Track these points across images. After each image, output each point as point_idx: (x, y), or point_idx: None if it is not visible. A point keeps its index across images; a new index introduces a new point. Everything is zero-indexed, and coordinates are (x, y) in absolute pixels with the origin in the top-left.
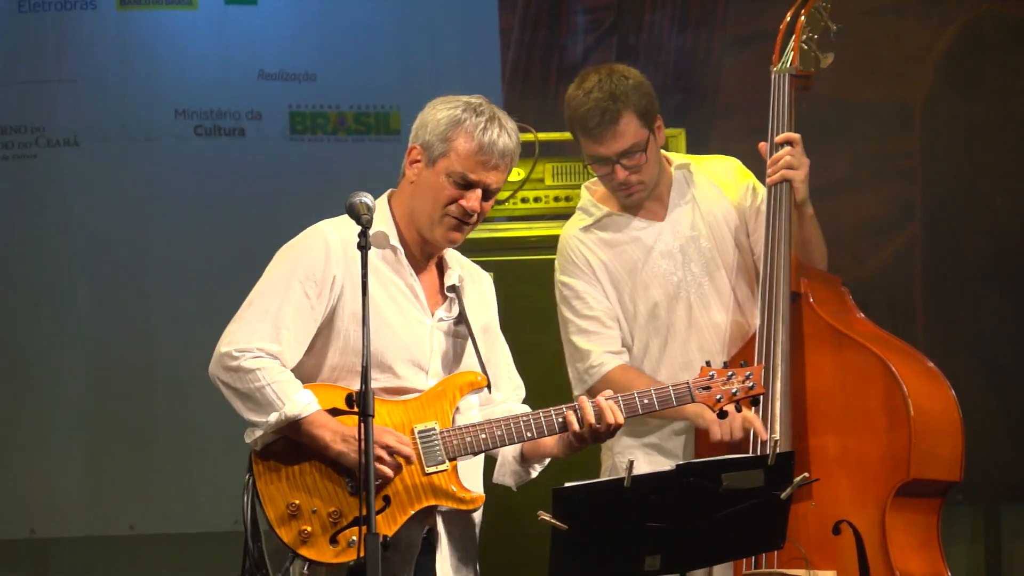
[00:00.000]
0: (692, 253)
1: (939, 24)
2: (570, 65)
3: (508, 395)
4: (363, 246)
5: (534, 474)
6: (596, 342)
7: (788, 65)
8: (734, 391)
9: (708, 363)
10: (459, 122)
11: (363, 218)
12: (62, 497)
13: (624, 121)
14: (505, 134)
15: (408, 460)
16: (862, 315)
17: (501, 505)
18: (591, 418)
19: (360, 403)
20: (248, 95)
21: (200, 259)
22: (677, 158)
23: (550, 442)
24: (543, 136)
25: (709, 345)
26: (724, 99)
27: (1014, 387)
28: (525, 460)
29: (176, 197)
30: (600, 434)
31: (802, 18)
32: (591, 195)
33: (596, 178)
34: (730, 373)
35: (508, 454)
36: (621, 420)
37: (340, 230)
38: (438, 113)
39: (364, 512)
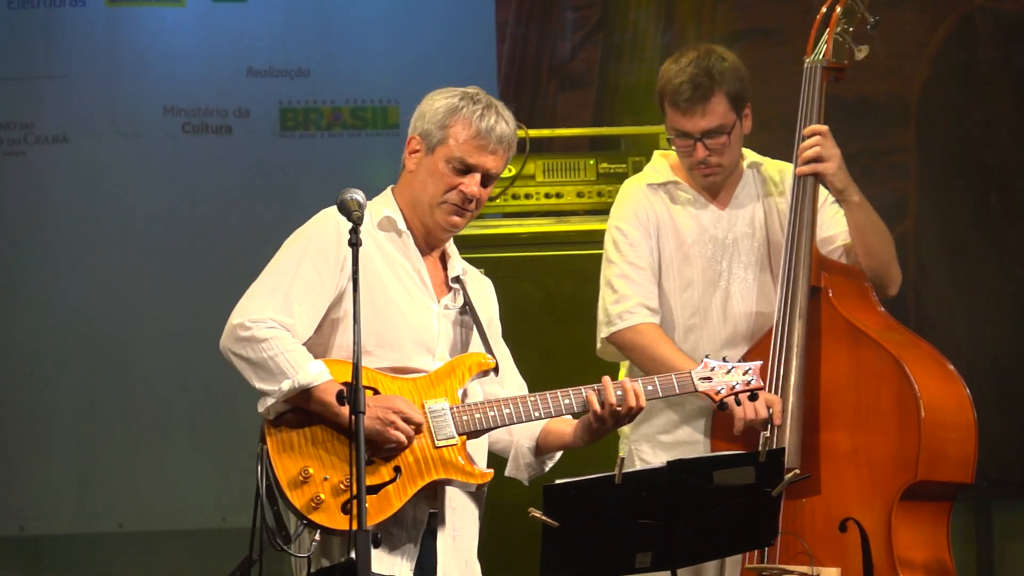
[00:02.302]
0: (743, 248)
1: (934, 19)
2: (559, 63)
3: (513, 394)
4: (354, 243)
5: (547, 468)
6: (636, 291)
7: (820, 57)
8: (734, 384)
9: (708, 356)
10: (456, 109)
11: (354, 215)
12: (52, 495)
13: (715, 100)
14: (503, 121)
15: (418, 428)
16: (883, 310)
17: (490, 502)
18: (612, 398)
19: (351, 399)
20: (236, 92)
21: (189, 257)
22: (750, 155)
23: (568, 431)
24: (534, 132)
25: (741, 339)
26: None
27: (1007, 385)
28: (540, 452)
29: (165, 194)
30: (621, 417)
31: (838, 9)
32: (664, 159)
33: (668, 150)
34: (731, 366)
35: (523, 446)
36: (643, 403)
37: None
38: (436, 102)
39: (355, 514)
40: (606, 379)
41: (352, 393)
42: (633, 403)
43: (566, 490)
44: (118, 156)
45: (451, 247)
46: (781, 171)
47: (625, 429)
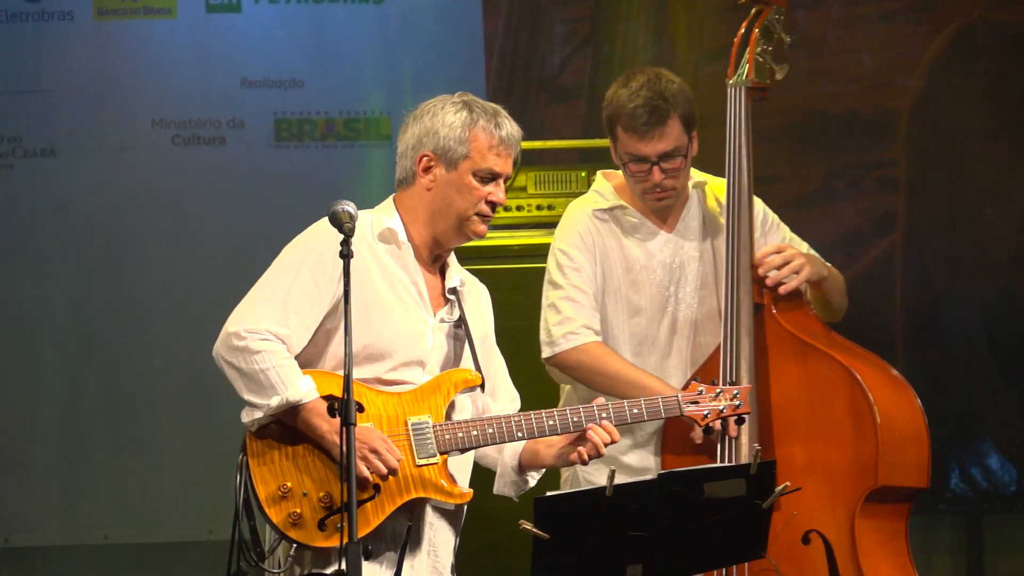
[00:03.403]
0: (689, 273)
1: (930, 31)
2: (549, 75)
3: (505, 406)
4: (345, 255)
5: (532, 483)
6: (581, 313)
7: (744, 78)
8: (721, 408)
9: (696, 379)
10: (473, 122)
11: (345, 227)
12: (37, 506)
13: (671, 123)
14: (513, 123)
15: (392, 472)
16: (824, 324)
17: (481, 514)
18: (596, 447)
19: (342, 412)
20: (230, 103)
21: (178, 270)
22: (694, 175)
23: (547, 454)
24: (525, 145)
25: (691, 364)
26: (699, 110)
27: (999, 401)
28: (522, 470)
29: (154, 207)
30: (596, 456)
31: (756, 31)
32: (608, 181)
33: (611, 170)
34: (718, 390)
35: (506, 465)
36: (617, 437)
37: None
38: (446, 117)
39: (347, 523)
40: (603, 425)
41: (344, 405)
42: (609, 441)
43: (557, 502)
44: (106, 170)
45: (451, 257)
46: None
47: None
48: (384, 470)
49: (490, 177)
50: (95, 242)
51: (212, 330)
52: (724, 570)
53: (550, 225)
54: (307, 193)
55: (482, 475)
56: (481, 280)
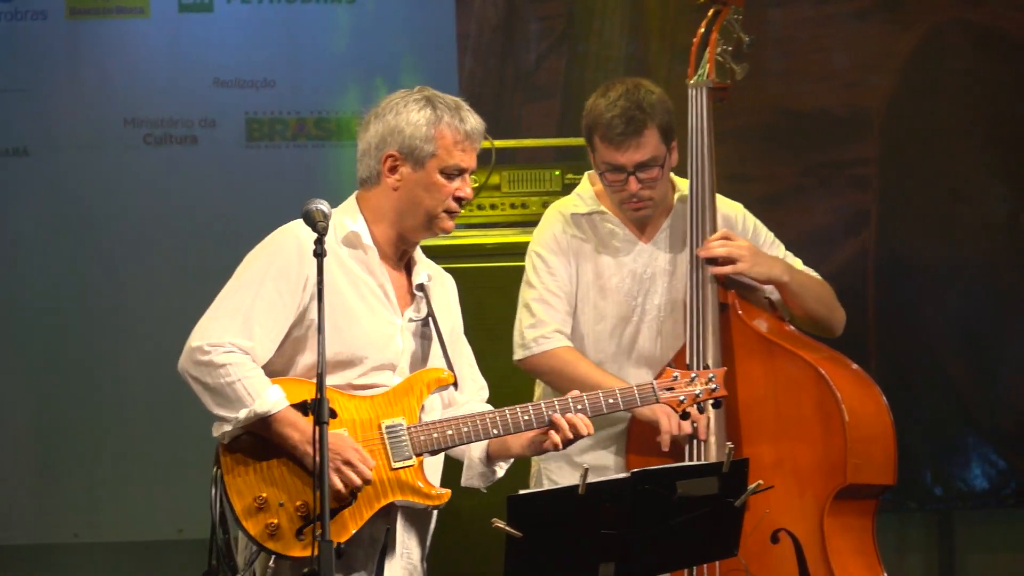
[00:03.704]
0: (660, 286)
1: (902, 30)
2: (524, 73)
3: (471, 396)
4: (319, 253)
5: (500, 473)
6: (553, 316)
7: (705, 78)
8: (697, 392)
9: (671, 364)
10: (438, 120)
11: (319, 225)
12: (6, 505)
13: (648, 133)
14: (475, 116)
15: (367, 482)
16: (790, 325)
17: (453, 512)
18: (567, 432)
19: (315, 411)
20: (201, 103)
21: (150, 269)
22: (684, 188)
23: (516, 443)
24: (499, 143)
25: (649, 376)
26: (674, 109)
27: (971, 399)
28: (491, 460)
29: (125, 206)
30: (569, 442)
31: (715, 31)
32: (592, 186)
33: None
34: (693, 375)
35: (474, 456)
36: (591, 430)
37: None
38: (410, 116)
39: (319, 522)
40: (556, 416)
41: (317, 405)
42: (583, 432)
43: (530, 500)
44: (78, 169)
45: (417, 252)
46: (719, 209)
47: None
48: (358, 482)
49: (457, 173)
50: (67, 241)
51: (183, 330)
52: (694, 569)
53: (524, 224)
54: (278, 193)
55: (454, 474)
56: (454, 278)
